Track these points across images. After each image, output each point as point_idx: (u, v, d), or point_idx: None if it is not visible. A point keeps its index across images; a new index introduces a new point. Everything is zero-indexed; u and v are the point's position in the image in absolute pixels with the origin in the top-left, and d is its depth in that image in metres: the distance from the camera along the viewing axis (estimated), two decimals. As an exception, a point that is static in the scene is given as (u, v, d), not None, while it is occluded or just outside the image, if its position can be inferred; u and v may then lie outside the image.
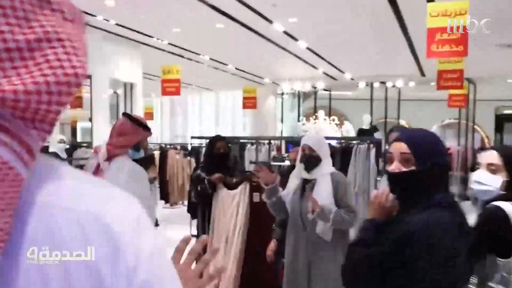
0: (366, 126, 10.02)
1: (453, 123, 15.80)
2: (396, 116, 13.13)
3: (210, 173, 4.10)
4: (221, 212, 4.08)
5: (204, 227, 4.23)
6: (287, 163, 6.98)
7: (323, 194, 2.86)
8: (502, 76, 12.33)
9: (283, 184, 3.37)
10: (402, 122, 13.83)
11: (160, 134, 18.25)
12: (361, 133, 9.63)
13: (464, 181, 9.53)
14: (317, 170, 2.95)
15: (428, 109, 15.30)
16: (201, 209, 4.30)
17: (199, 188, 4.09)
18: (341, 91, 14.69)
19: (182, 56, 9.97)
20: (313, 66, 11.17)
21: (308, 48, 9.25)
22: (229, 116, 16.79)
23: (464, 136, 13.26)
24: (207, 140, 4.75)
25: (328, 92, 14.34)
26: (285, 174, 4.32)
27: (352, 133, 10.51)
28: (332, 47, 9.22)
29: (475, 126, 13.49)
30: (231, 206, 4.03)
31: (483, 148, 8.50)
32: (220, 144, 4.24)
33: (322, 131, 10.78)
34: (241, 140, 7.91)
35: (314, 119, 12.54)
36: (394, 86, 12.71)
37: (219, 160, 4.20)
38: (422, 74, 11.30)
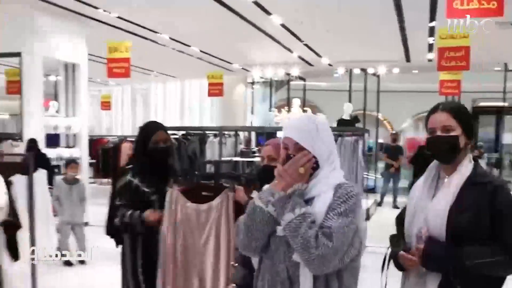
0: (346, 116, 8.89)
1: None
2: (375, 108, 12.14)
3: (146, 179, 2.82)
4: (185, 237, 2.82)
5: (135, 265, 2.88)
6: (257, 159, 5.73)
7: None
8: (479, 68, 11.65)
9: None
10: (380, 115, 13.17)
11: (120, 125, 16.96)
12: (342, 124, 8.50)
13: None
14: (313, 184, 1.70)
15: (406, 101, 14.48)
16: (131, 237, 2.93)
17: (125, 219, 2.80)
18: (317, 79, 13.67)
19: (136, 34, 8.55)
20: (288, 49, 9.93)
21: (283, 25, 7.97)
22: (195, 106, 15.42)
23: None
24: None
25: (302, 83, 13.37)
26: (253, 181, 3.04)
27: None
28: (310, 25, 7.97)
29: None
30: (205, 227, 2.79)
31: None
32: (159, 136, 2.93)
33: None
34: (202, 131, 6.61)
35: (288, 109, 11.52)
36: (375, 74, 11.67)
37: (157, 159, 2.90)
38: (408, 59, 10.23)
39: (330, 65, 11.48)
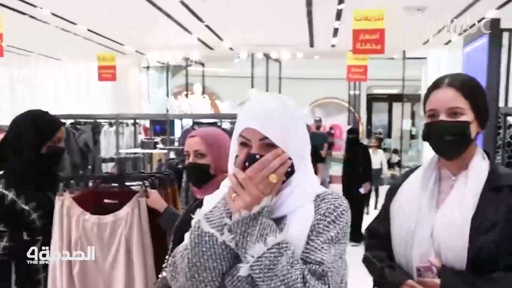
0: None
1: (324, 103, 15.46)
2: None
3: (24, 190, 2.13)
4: (84, 260, 2.19)
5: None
6: (159, 151, 5.07)
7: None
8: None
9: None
10: None
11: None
12: None
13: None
14: (285, 196, 1.15)
15: (308, 88, 14.56)
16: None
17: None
18: (216, 65, 13.17)
19: (8, 7, 7.31)
20: (187, 30, 9.24)
21: (182, 3, 7.28)
22: (83, 93, 14.06)
23: (337, 115, 12.86)
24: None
25: (201, 69, 12.78)
26: (170, 181, 2.45)
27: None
28: (212, 3, 7.37)
29: (349, 106, 13.04)
30: (111, 245, 2.20)
31: (352, 130, 7.60)
32: (60, 134, 2.25)
33: (198, 108, 9.09)
34: (95, 120, 5.76)
35: (188, 95, 10.92)
36: (277, 60, 11.47)
37: (53, 163, 2.23)
38: (311, 44, 10.09)
39: (231, 49, 10.99)
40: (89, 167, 5.54)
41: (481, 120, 1.43)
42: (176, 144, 5.87)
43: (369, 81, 15.51)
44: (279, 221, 1.12)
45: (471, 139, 1.41)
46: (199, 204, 1.77)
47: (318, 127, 9.90)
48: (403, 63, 10.87)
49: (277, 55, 11.44)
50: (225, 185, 1.18)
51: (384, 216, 1.55)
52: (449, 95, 1.40)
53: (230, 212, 1.10)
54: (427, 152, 4.24)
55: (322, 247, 1.08)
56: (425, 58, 10.16)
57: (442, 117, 1.40)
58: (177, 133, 6.87)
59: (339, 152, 11.64)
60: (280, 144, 1.11)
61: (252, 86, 10.63)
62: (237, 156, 1.15)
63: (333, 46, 9.98)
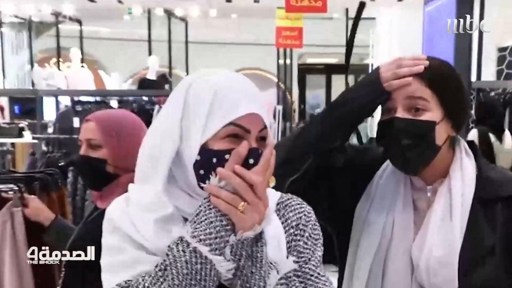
0: (152, 75, 8.51)
1: (245, 75, 15.64)
2: (184, 65, 11.90)
3: None
4: None
5: None
6: (28, 140, 4.87)
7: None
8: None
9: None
10: (184, 75, 13.11)
11: None
12: (146, 86, 8.11)
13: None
14: None
15: (224, 55, 14.64)
16: None
17: None
18: (100, 23, 12.89)
19: None
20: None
21: None
22: None
23: (262, 91, 12.94)
24: None
25: (77, 27, 12.31)
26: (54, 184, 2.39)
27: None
28: None
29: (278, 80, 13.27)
30: None
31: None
32: None
33: (78, 82, 8.84)
34: None
35: (58, 63, 10.53)
36: (183, 19, 11.41)
37: None
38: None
39: (120, 1, 10.80)
40: None
41: (454, 120, 1.39)
42: (50, 130, 5.68)
43: (306, 46, 15.92)
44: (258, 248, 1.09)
45: (436, 146, 1.35)
46: (102, 213, 1.73)
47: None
48: (346, 24, 11.19)
49: (183, 12, 11.34)
50: (135, 190, 1.14)
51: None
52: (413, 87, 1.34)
53: (232, 228, 1.03)
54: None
55: (319, 273, 1.14)
56: (374, 18, 10.47)
57: (399, 113, 1.34)
58: (49, 115, 6.65)
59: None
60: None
61: (150, 53, 10.50)
62: (225, 152, 1.06)
63: (256, 1, 10.11)
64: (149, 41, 11.08)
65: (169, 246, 1.01)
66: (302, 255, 1.12)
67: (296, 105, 15.44)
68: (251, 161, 1.03)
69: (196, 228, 1.01)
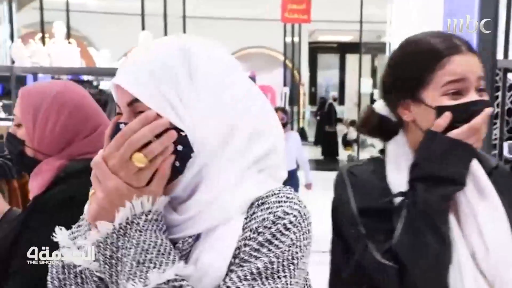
0: None
1: (249, 54, 15.63)
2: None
3: None
4: None
5: None
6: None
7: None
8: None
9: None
10: None
11: None
12: None
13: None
14: (196, 201, 1.02)
15: (223, 32, 14.72)
16: None
17: None
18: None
19: None
20: None
21: None
22: None
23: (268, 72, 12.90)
24: None
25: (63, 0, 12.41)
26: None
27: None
28: None
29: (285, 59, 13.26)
30: None
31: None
32: None
33: (62, 60, 8.82)
34: None
35: (42, 38, 10.53)
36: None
37: None
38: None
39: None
40: None
41: None
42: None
43: (312, 23, 15.91)
44: (187, 243, 1.02)
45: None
46: (34, 205, 1.66)
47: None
48: (361, -2, 11.16)
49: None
50: None
51: None
52: (475, 61, 1.36)
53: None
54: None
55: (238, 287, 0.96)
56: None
57: (472, 95, 1.34)
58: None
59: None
60: (159, 109, 0.98)
61: (143, 28, 10.51)
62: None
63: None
64: (142, 15, 11.09)
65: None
66: (241, 266, 0.98)
67: (306, 88, 15.38)
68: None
69: (78, 231, 1.09)
